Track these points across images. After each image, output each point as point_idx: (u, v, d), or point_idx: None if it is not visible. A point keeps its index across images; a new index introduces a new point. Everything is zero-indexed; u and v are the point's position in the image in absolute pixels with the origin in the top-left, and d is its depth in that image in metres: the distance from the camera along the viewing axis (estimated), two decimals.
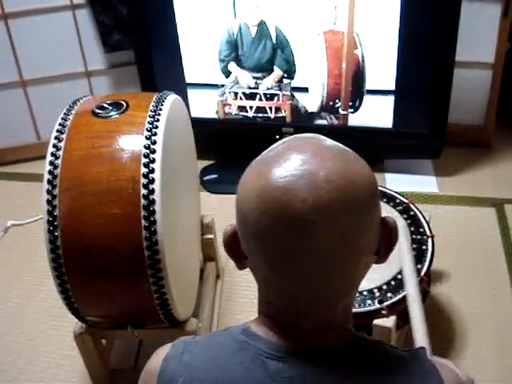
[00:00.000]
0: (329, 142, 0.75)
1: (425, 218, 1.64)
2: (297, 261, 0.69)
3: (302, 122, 2.29)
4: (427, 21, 2.02)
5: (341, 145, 0.75)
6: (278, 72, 2.22)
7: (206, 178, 2.40)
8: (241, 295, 1.88)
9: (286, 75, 2.22)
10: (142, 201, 1.26)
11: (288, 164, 0.69)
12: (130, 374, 1.68)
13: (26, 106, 2.51)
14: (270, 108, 2.30)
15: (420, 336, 1.33)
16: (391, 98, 2.18)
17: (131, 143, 1.31)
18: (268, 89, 2.25)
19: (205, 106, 2.36)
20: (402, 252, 1.49)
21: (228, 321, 1.81)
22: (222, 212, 2.10)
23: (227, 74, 2.27)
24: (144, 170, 1.28)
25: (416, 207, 1.67)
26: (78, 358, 1.58)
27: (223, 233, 0.78)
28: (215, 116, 2.37)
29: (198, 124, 2.31)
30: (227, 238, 0.77)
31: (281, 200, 0.67)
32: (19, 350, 1.79)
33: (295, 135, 0.78)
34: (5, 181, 2.51)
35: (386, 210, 1.66)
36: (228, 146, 2.51)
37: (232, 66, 2.25)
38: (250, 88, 2.27)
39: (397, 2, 2.00)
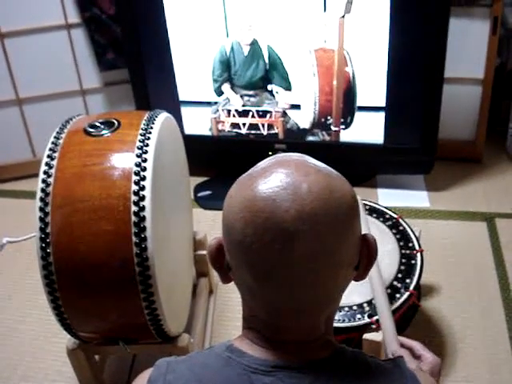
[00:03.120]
0: (313, 160, 0.77)
1: (414, 233, 1.66)
2: (280, 271, 0.71)
3: (294, 138, 2.31)
4: (416, 37, 2.06)
5: (324, 164, 0.78)
6: (284, 93, 2.24)
7: (199, 195, 2.42)
8: (234, 311, 1.89)
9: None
10: (133, 218, 1.28)
11: (272, 177, 0.72)
12: None
13: (22, 124, 2.54)
14: (263, 125, 2.32)
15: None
16: (382, 115, 2.20)
17: (122, 161, 1.34)
18: (260, 106, 2.29)
19: (198, 123, 2.39)
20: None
21: (221, 336, 1.82)
22: (215, 228, 2.13)
23: (220, 93, 2.30)
24: (135, 187, 1.30)
25: (405, 222, 1.69)
26: (71, 373, 1.59)
27: (208, 245, 0.80)
28: (209, 133, 2.40)
29: (192, 141, 2.34)
30: (212, 251, 0.79)
31: (265, 210, 0.70)
32: (14, 366, 1.80)
33: (280, 154, 0.80)
34: (1, 198, 2.53)
35: (376, 225, 1.68)
36: (222, 162, 2.53)
37: (225, 88, 2.28)
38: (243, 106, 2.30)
39: (386, 20, 2.03)
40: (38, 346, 1.86)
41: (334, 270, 0.73)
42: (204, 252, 1.84)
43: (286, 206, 0.69)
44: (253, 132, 2.35)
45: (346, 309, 1.49)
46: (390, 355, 1.26)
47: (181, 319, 1.57)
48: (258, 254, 0.71)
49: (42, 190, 1.32)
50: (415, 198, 2.34)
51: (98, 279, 1.31)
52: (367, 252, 0.77)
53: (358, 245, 0.76)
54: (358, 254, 0.77)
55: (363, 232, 0.78)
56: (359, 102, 2.20)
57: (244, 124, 2.34)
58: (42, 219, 1.30)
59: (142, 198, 1.29)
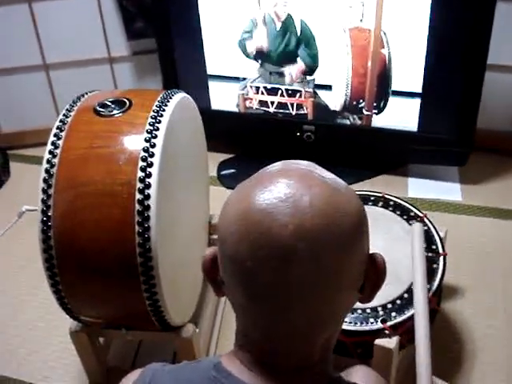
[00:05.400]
0: (320, 170, 0.70)
1: (439, 235, 1.56)
2: (274, 291, 0.65)
3: (323, 120, 2.21)
4: (459, 21, 1.92)
5: (333, 175, 0.71)
6: (301, 64, 2.15)
7: (223, 173, 2.36)
8: None
9: (308, 70, 2.15)
10: (137, 206, 1.22)
11: (272, 187, 0.65)
12: (128, 372, 1.67)
13: (48, 90, 2.50)
14: (292, 104, 2.23)
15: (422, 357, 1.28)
16: (417, 101, 2.09)
17: (130, 145, 1.27)
18: (290, 84, 2.19)
19: (226, 98, 2.31)
20: (415, 264, 1.43)
21: (231, 325, 1.76)
22: None
23: (245, 50, 2.20)
24: (141, 174, 1.23)
25: (431, 222, 1.59)
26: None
27: (202, 256, 0.75)
28: (236, 109, 2.32)
29: (218, 117, 2.28)
30: (206, 262, 0.74)
31: (261, 224, 0.63)
32: (21, 340, 1.79)
33: (287, 160, 0.73)
34: (23, 164, 2.51)
35: (399, 224, 1.59)
36: (248, 140, 2.45)
37: (249, 45, 2.18)
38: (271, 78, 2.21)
39: (427, 1, 1.90)
40: (47, 320, 1.84)
41: (333, 293, 0.67)
42: None
43: (283, 221, 0.63)
44: (281, 111, 2.26)
45: (359, 311, 1.41)
46: None
47: (186, 309, 1.52)
48: (251, 272, 0.65)
49: (46, 171, 1.27)
50: (447, 191, 2.22)
51: (98, 266, 1.26)
52: (374, 273, 0.71)
53: (364, 265, 0.69)
54: (363, 276, 0.70)
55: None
56: (394, 87, 2.09)
57: (272, 102, 2.25)
58: (44, 201, 1.27)
59: (148, 186, 1.23)
